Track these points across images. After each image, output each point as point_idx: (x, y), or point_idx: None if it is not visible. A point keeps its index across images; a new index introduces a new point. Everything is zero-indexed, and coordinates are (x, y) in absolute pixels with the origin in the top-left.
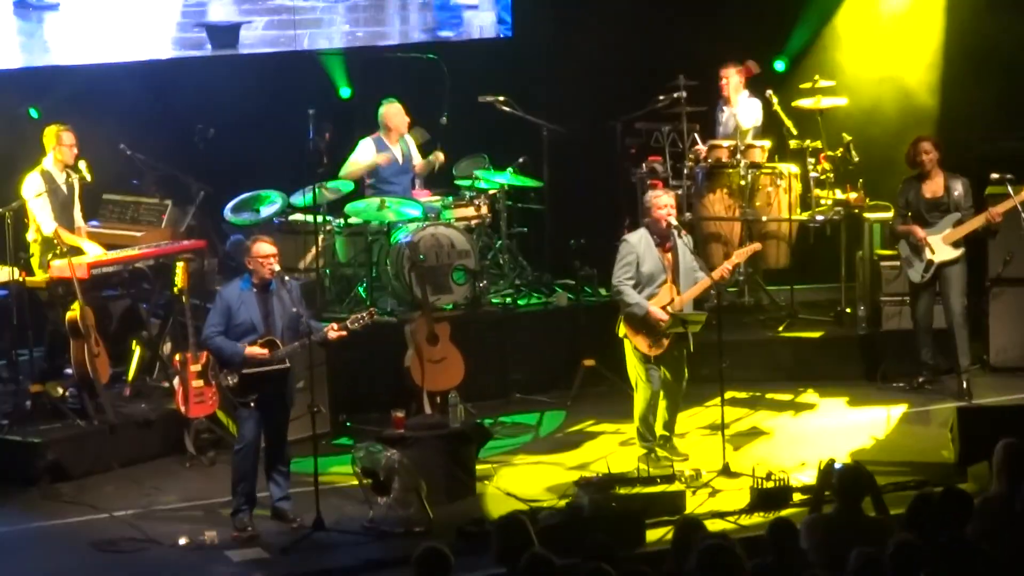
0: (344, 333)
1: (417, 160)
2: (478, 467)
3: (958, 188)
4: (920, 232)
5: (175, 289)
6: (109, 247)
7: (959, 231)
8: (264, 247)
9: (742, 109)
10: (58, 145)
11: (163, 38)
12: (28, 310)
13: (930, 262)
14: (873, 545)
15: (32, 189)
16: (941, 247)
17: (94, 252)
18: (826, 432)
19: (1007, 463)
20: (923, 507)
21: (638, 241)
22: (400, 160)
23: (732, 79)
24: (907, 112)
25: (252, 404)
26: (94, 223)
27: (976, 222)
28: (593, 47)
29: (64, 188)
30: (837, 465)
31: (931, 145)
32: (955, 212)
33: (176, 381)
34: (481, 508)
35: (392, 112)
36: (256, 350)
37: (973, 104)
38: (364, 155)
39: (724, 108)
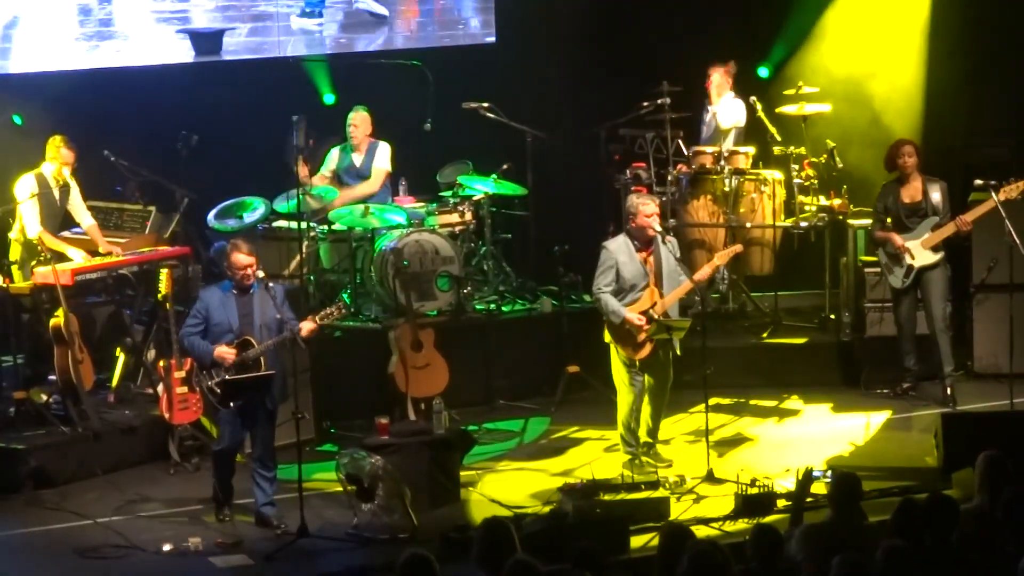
0: (315, 326)
1: (383, 166)
2: (462, 473)
3: (936, 192)
4: (898, 240)
5: (159, 296)
6: (93, 254)
7: (935, 236)
8: (241, 258)
9: (723, 108)
10: (57, 158)
11: (146, 45)
12: (11, 317)
13: (910, 267)
14: (868, 552)
15: (25, 190)
16: (920, 252)
17: (78, 258)
18: (810, 438)
19: (987, 474)
20: (909, 513)
21: (618, 248)
22: (359, 165)
23: (715, 78)
24: (891, 118)
25: (231, 406)
26: (77, 230)
27: (947, 230)
28: (576, 53)
29: (56, 195)
30: (816, 472)
31: (912, 148)
32: (933, 216)
33: (160, 387)
34: (465, 514)
35: (349, 119)
36: (224, 350)
37: (958, 110)
38: (326, 167)
39: (708, 108)
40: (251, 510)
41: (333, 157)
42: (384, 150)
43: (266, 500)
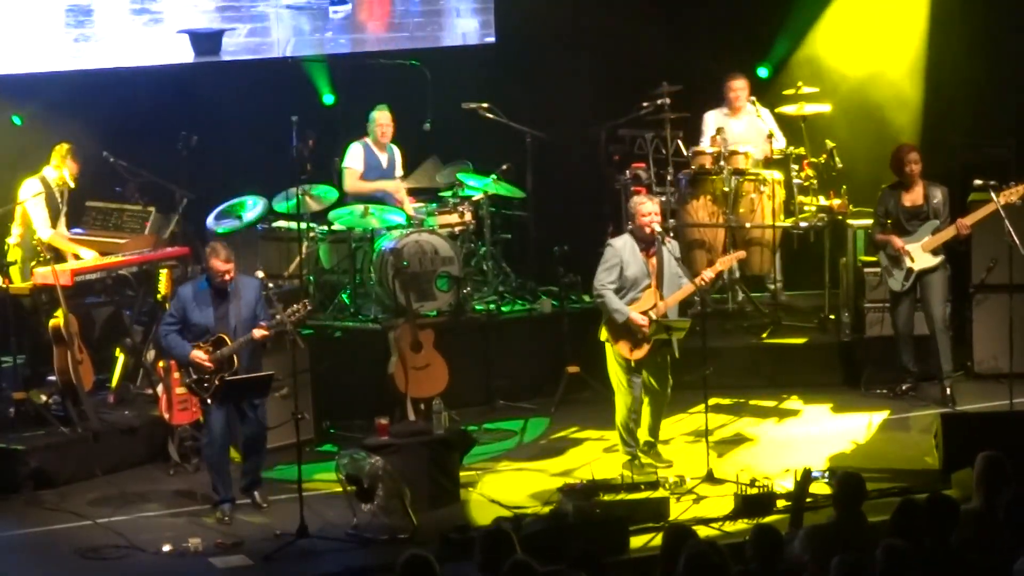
0: (267, 332)
1: (400, 172)
2: (462, 474)
3: (937, 196)
4: (898, 242)
5: (158, 296)
6: (104, 254)
7: (935, 240)
8: (219, 265)
9: (768, 121)
10: (61, 166)
11: (144, 45)
12: (11, 317)
13: (910, 270)
14: (872, 552)
15: (29, 194)
16: (921, 255)
17: (89, 257)
18: (809, 439)
19: (986, 475)
20: (909, 513)
21: (623, 246)
22: (384, 165)
23: (745, 91)
24: (891, 118)
25: (212, 398)
26: (78, 230)
27: (948, 233)
28: (576, 53)
29: (58, 198)
30: (814, 473)
31: (918, 155)
32: (934, 219)
33: (160, 388)
34: (465, 515)
35: (378, 119)
36: (199, 355)
37: (958, 110)
38: (355, 162)
39: (730, 119)
40: (250, 510)
41: (358, 154)
42: (399, 153)
43: (250, 481)
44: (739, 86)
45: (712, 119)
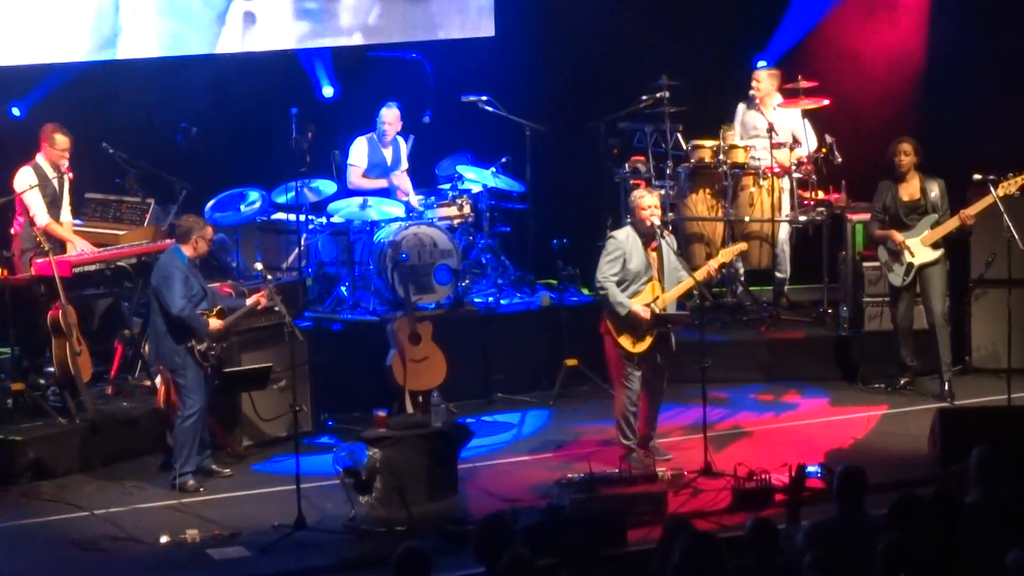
0: (264, 301)
1: (405, 164)
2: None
3: (935, 190)
4: (898, 236)
5: None
6: (99, 246)
7: (936, 233)
8: (211, 230)
9: (785, 120)
10: (49, 146)
11: (144, 38)
12: (9, 308)
13: (910, 265)
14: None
15: (23, 182)
16: (920, 249)
17: (84, 248)
18: (807, 432)
19: (982, 468)
20: (907, 508)
21: (625, 238)
22: (388, 161)
23: (764, 82)
24: (890, 112)
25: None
26: (77, 221)
27: (950, 224)
28: (576, 46)
29: (54, 184)
30: (809, 469)
31: (910, 147)
32: (932, 214)
33: (158, 380)
34: (462, 507)
35: (384, 116)
36: (218, 323)
37: (957, 104)
38: (358, 159)
39: (750, 110)
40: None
41: (362, 150)
42: (403, 146)
43: (208, 455)
44: (758, 77)
45: (741, 111)
